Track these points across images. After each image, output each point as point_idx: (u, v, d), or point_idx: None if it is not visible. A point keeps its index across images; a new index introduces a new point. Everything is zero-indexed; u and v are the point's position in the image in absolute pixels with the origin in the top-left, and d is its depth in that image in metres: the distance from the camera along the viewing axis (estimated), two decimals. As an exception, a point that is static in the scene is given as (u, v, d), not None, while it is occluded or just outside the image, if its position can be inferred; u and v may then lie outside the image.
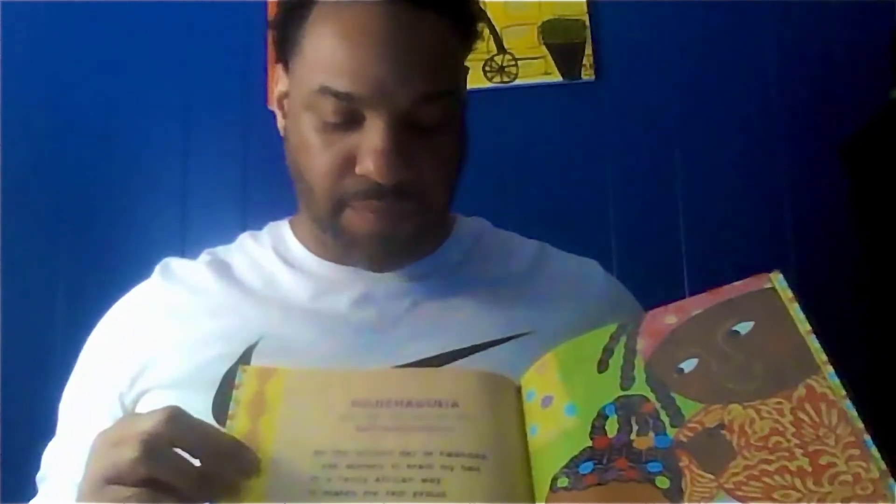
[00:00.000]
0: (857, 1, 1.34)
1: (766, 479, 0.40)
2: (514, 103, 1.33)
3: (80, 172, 1.37)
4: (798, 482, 0.40)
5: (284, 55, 0.63)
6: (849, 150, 1.28)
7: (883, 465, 0.40)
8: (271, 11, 1.36)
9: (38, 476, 0.65)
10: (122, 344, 0.65)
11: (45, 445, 0.67)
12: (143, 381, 0.62)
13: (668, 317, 0.49)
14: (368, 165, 0.56)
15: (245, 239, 0.71)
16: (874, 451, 0.40)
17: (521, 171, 1.31)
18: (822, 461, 0.40)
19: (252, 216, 1.29)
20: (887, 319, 1.20)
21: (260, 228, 0.72)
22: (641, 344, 0.48)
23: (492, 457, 0.46)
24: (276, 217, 0.72)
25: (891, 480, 0.39)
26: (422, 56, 0.57)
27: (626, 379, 0.47)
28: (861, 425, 0.41)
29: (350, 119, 0.57)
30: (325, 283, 0.64)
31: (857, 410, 0.42)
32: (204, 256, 0.70)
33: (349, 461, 0.46)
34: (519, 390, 0.51)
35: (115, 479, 0.42)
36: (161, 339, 0.63)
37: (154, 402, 0.60)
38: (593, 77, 1.35)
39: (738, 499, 0.40)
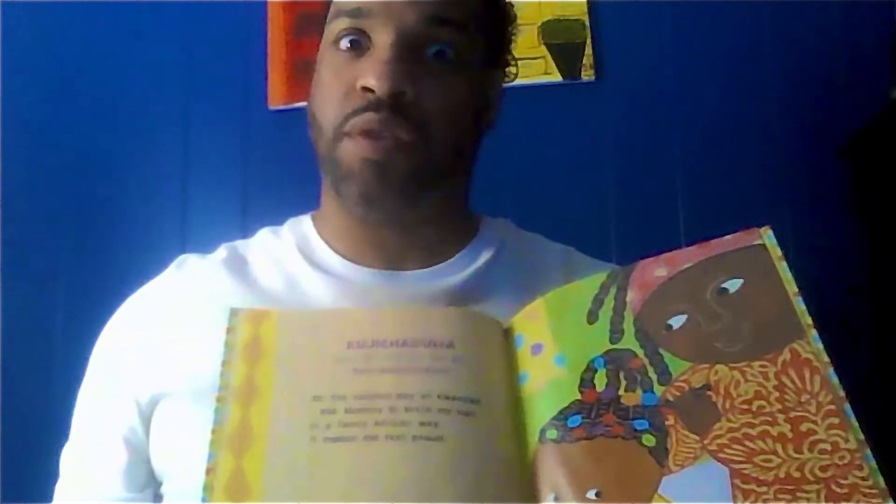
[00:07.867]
0: (857, 1, 1.34)
1: (749, 444, 0.41)
2: (514, 103, 1.32)
3: (81, 172, 1.37)
4: (779, 448, 0.40)
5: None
6: (850, 150, 1.28)
7: (861, 435, 0.40)
8: (271, 11, 1.37)
9: (59, 486, 0.64)
10: (137, 344, 0.62)
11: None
12: (159, 386, 0.60)
13: (659, 269, 0.49)
14: (368, 78, 0.56)
15: (265, 234, 0.69)
16: (853, 420, 0.40)
17: (520, 172, 1.31)
18: (803, 428, 0.40)
19: (252, 216, 1.29)
20: (889, 320, 1.20)
21: (261, 227, 0.71)
22: (631, 296, 0.48)
23: (485, 402, 0.46)
24: (275, 216, 0.71)
25: (867, 451, 0.39)
26: None
27: (616, 332, 0.47)
28: (842, 393, 0.41)
29: (359, 45, 0.59)
30: (349, 286, 0.62)
31: (838, 378, 0.42)
32: (221, 251, 0.67)
33: (347, 405, 0.45)
34: (506, 333, 0.51)
35: None
36: (176, 345, 0.61)
37: (172, 410, 0.59)
38: (593, 77, 1.35)
39: (720, 461, 0.40)
